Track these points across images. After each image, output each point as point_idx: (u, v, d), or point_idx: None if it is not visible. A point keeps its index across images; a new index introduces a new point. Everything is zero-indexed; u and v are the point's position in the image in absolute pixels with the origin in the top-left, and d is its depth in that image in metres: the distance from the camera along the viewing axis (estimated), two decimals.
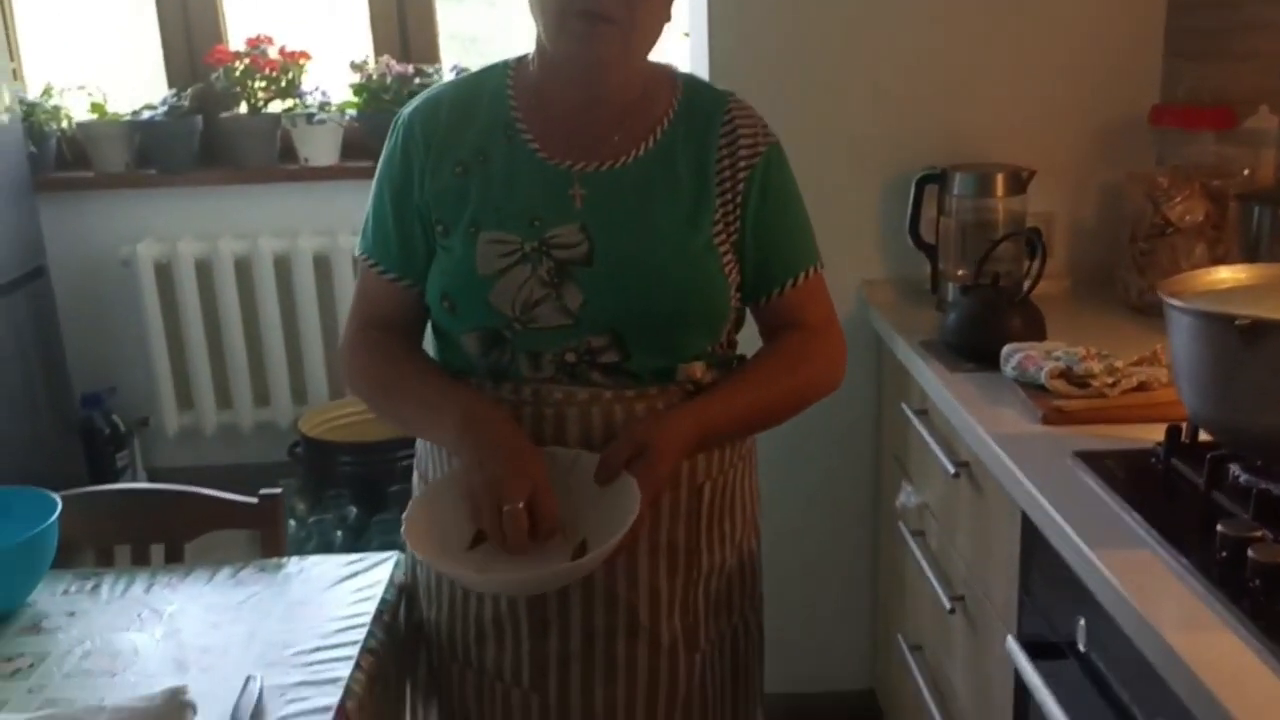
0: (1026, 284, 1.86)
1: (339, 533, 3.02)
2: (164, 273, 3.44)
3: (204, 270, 3.46)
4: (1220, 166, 2.02)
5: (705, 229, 1.30)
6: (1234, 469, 1.30)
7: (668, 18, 1.29)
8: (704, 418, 1.28)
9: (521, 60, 1.37)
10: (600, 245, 1.27)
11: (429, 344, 1.41)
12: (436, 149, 1.32)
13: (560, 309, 1.27)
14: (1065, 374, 1.62)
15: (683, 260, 1.29)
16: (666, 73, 1.37)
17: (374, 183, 1.37)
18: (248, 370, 3.55)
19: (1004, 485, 1.49)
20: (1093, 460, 1.41)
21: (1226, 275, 1.35)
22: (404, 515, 1.22)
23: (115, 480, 3.58)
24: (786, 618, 2.32)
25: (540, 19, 1.26)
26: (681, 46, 2.59)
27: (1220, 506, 1.26)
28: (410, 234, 1.34)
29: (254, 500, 1.64)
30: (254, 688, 1.26)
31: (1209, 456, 1.29)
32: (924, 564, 1.91)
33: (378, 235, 1.36)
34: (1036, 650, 1.42)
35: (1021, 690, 1.50)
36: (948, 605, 1.76)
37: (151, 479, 3.69)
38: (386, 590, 1.47)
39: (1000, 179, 2.09)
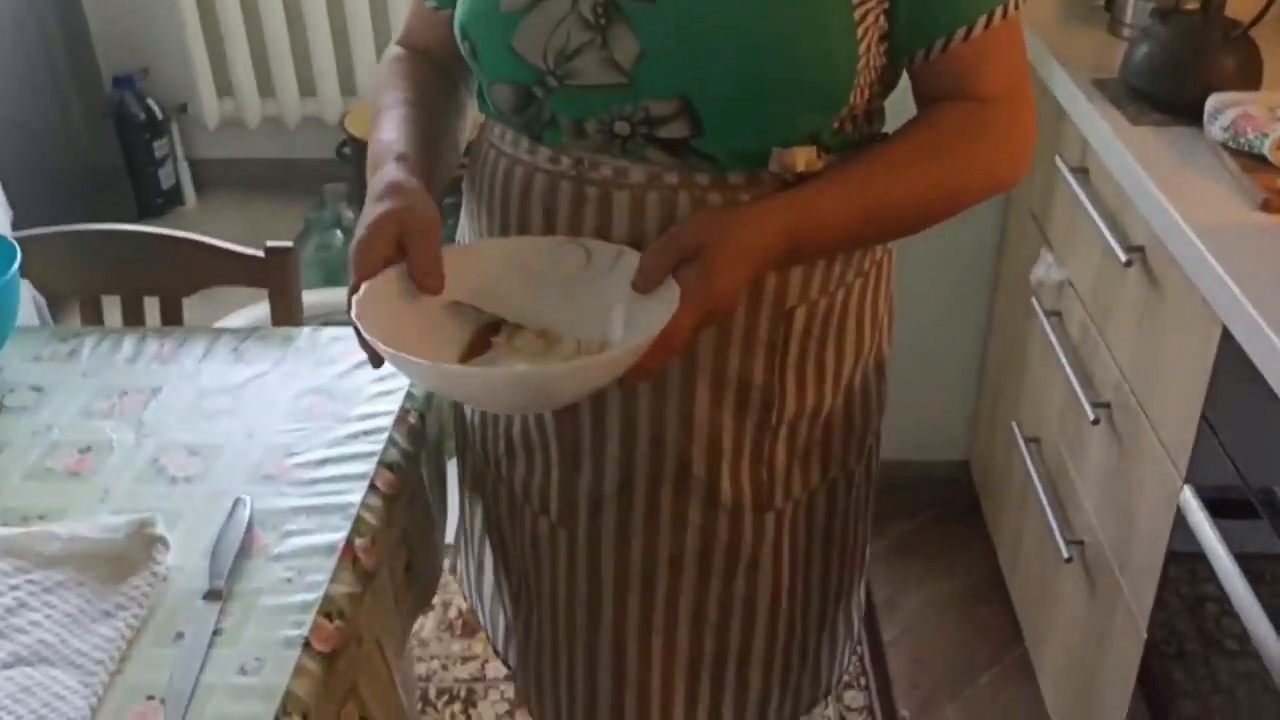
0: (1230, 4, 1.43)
1: None
2: None
3: None
4: None
5: None
6: None
7: None
8: (797, 219, 0.89)
9: None
10: None
11: None
12: None
13: (607, 62, 0.89)
14: None
15: (801, 4, 0.87)
16: None
17: None
18: (290, 55, 3.19)
19: (1200, 287, 1.15)
20: None
21: None
22: (354, 296, 0.87)
23: (156, 170, 3.33)
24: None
25: None
26: None
27: None
28: None
29: (260, 254, 1.36)
30: (242, 515, 1.03)
31: None
32: (1060, 352, 1.60)
33: None
34: (1219, 507, 1.14)
35: (1182, 541, 1.23)
36: (1090, 414, 1.46)
37: (194, 171, 3.44)
38: (414, 385, 1.21)
39: None
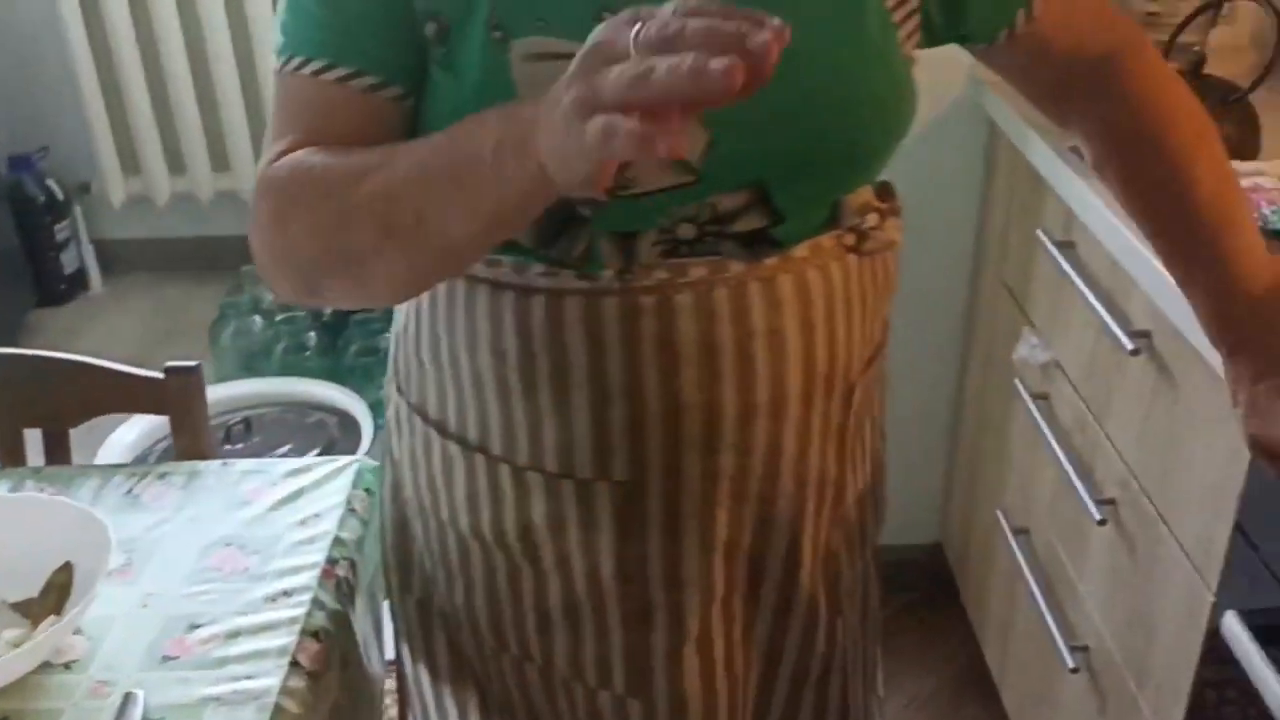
0: (1211, 61, 1.33)
1: (312, 332, 2.58)
2: (90, 6, 2.85)
3: (137, 7, 2.86)
4: None
5: None
6: None
7: None
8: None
9: None
10: None
11: None
12: None
13: (670, 161, 0.73)
14: None
15: (855, 40, 0.78)
16: None
17: None
18: (201, 127, 3.01)
19: (1223, 380, 1.03)
20: None
21: None
22: None
23: (57, 254, 3.12)
24: None
25: None
26: None
27: None
28: (391, 15, 0.75)
29: (160, 375, 1.18)
30: (134, 714, 0.84)
31: None
32: (1051, 440, 1.47)
33: (324, 17, 0.76)
34: (1268, 634, 1.01)
35: (1217, 663, 1.10)
36: (1095, 513, 1.33)
37: (100, 253, 3.23)
38: (342, 526, 1.03)
39: None
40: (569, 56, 0.63)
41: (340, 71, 0.75)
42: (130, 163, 3.08)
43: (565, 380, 0.80)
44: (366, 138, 0.74)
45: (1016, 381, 1.60)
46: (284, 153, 0.74)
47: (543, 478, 0.84)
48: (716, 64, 0.51)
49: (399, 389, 0.91)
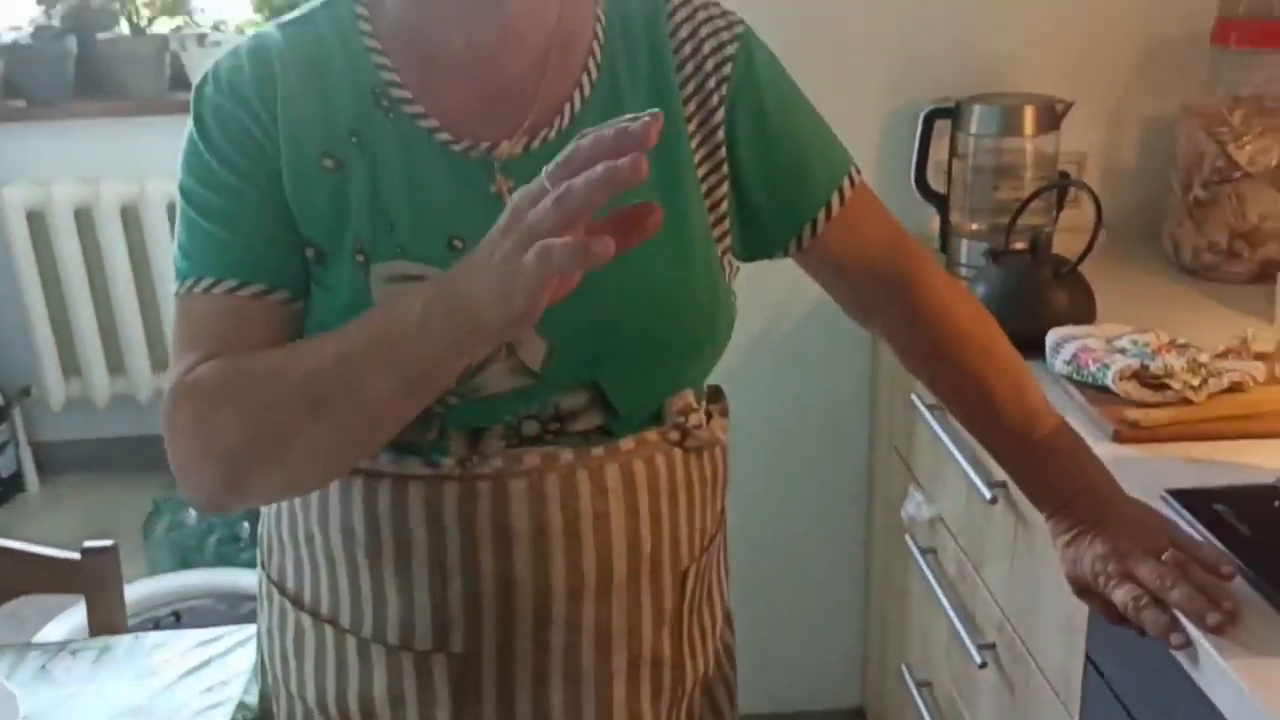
0: (1057, 241, 1.49)
1: (245, 523, 2.62)
2: (38, 221, 2.98)
3: (84, 217, 3.00)
4: None
5: (691, 194, 0.90)
6: None
7: None
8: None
9: None
10: None
11: None
12: (287, 127, 0.84)
13: (514, 367, 0.85)
14: (1138, 374, 1.25)
15: (677, 252, 0.88)
16: None
17: (188, 190, 0.86)
18: (142, 331, 3.11)
19: None
20: (1194, 502, 1.06)
21: None
22: None
23: None
24: (765, 628, 2.01)
25: None
26: None
27: None
28: (276, 232, 0.85)
29: (76, 556, 1.24)
30: None
31: None
32: (939, 591, 1.56)
33: (218, 242, 0.84)
34: None
35: None
36: (976, 656, 1.41)
37: (37, 455, 3.26)
38: (247, 691, 1.09)
39: (1029, 113, 1.70)
40: (422, 278, 0.77)
41: (252, 289, 0.84)
42: (71, 365, 3.15)
43: (408, 558, 0.86)
44: (269, 343, 0.83)
45: (908, 538, 1.70)
46: (198, 363, 0.82)
47: (384, 649, 0.89)
48: (623, 161, 0.63)
49: (262, 564, 0.98)
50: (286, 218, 0.85)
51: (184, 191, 0.86)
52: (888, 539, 1.90)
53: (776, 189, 0.94)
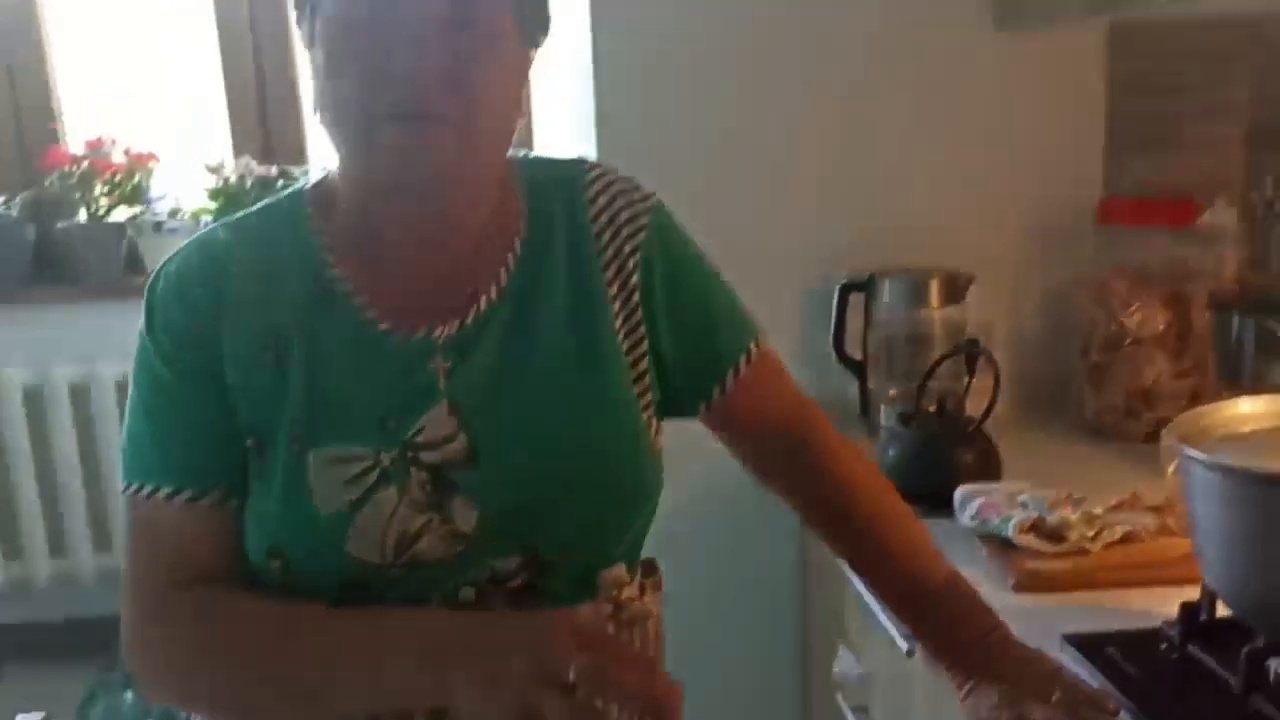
0: (968, 404, 1.59)
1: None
2: None
3: (33, 399, 3.03)
4: (1177, 268, 1.79)
5: (614, 360, 0.98)
6: (1276, 665, 1.00)
7: (519, 107, 0.95)
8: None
9: (319, 186, 0.99)
10: (482, 433, 0.92)
11: None
12: (230, 323, 0.92)
13: (450, 535, 0.91)
14: (1036, 526, 1.33)
15: (601, 417, 0.96)
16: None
17: (139, 383, 0.94)
18: (86, 514, 3.11)
19: None
20: (1088, 647, 1.12)
21: (1247, 410, 1.07)
22: None
23: None
24: None
25: (337, 131, 0.90)
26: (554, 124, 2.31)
27: (1263, 716, 0.97)
28: (219, 428, 0.92)
29: None
30: None
31: (1246, 652, 1.00)
32: None
33: (169, 448, 0.92)
34: None
35: None
36: None
37: None
38: None
39: (935, 285, 1.82)
40: (358, 459, 0.87)
41: (199, 497, 0.92)
42: (13, 548, 3.13)
43: None
44: (217, 543, 0.92)
45: (839, 696, 1.72)
46: (156, 595, 0.91)
47: None
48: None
49: None
50: (228, 412, 0.92)
51: (135, 384, 0.94)
52: (821, 699, 1.92)
53: (687, 350, 1.03)
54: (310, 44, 0.91)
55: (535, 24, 0.93)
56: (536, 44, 0.95)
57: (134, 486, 0.93)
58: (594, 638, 0.77)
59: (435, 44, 0.85)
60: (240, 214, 0.99)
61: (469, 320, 0.95)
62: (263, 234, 0.96)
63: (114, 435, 3.04)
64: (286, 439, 0.91)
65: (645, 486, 0.99)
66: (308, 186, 0.99)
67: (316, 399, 0.91)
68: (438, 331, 0.94)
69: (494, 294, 0.96)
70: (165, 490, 0.92)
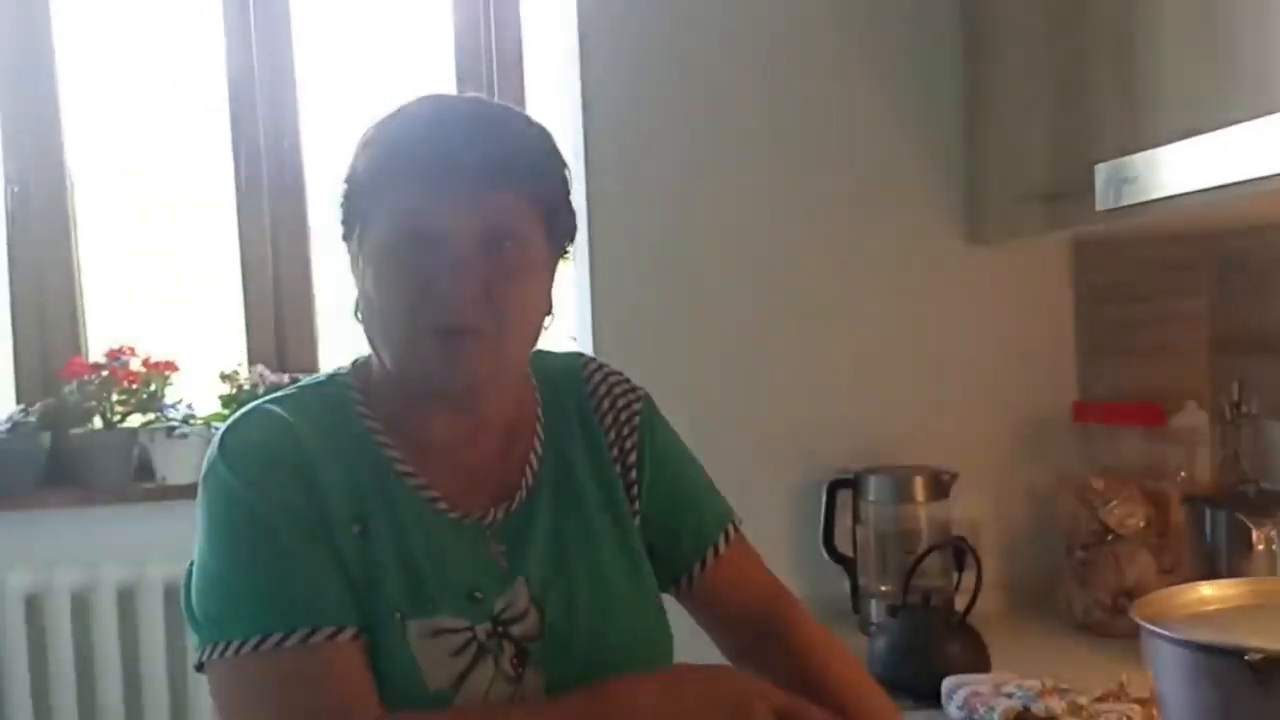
0: (959, 601, 1.62)
1: None
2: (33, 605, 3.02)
3: (35, 604, 3.04)
4: (1154, 466, 1.85)
5: (633, 535, 1.09)
6: None
7: (549, 309, 1.04)
8: None
9: (358, 373, 1.07)
10: (552, 608, 1.01)
11: None
12: (318, 490, 0.97)
13: (509, 676, 1.01)
14: (1022, 715, 1.34)
15: (637, 595, 1.07)
16: None
17: (237, 542, 0.96)
18: None
19: None
20: None
21: (1211, 593, 1.12)
22: None
23: None
24: None
25: (381, 339, 1.00)
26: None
27: None
28: (333, 572, 0.96)
29: None
30: None
31: None
32: None
33: (294, 590, 0.94)
34: None
35: None
36: None
37: None
38: None
39: (920, 483, 1.88)
40: (453, 631, 0.95)
41: (331, 630, 0.93)
42: None
43: None
44: (353, 681, 0.92)
45: None
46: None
47: None
48: None
49: None
50: (339, 562, 0.96)
51: (229, 539, 0.95)
52: None
53: (672, 527, 1.12)
54: (356, 262, 1.01)
55: (563, 234, 1.04)
56: (564, 251, 1.05)
57: (269, 640, 0.91)
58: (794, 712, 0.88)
59: (471, 265, 0.95)
60: (279, 394, 1.05)
61: (514, 506, 1.04)
62: (319, 412, 1.02)
63: (111, 636, 3.03)
64: (388, 610, 0.96)
65: (666, 646, 1.09)
66: (345, 373, 1.07)
67: (410, 571, 0.97)
68: (489, 516, 1.03)
69: (530, 478, 1.05)
70: (325, 632, 0.92)
